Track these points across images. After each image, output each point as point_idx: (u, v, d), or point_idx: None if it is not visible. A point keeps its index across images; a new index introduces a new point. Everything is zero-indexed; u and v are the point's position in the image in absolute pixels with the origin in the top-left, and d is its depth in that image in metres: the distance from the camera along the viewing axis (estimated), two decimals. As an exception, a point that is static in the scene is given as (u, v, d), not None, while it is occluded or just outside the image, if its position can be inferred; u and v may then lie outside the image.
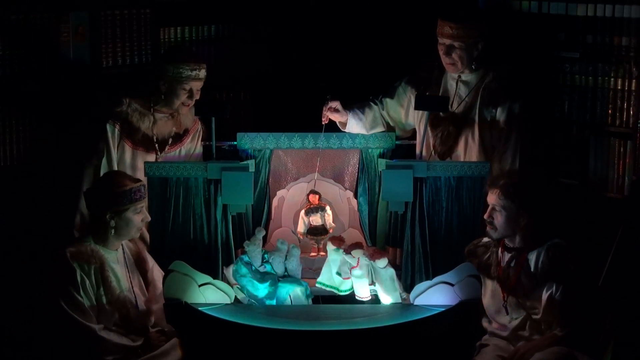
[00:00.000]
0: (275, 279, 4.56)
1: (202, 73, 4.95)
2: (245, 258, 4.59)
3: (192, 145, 5.13)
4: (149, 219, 4.55)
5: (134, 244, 4.58)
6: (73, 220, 4.89)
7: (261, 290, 4.55)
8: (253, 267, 4.58)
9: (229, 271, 4.64)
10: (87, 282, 4.33)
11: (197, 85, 4.96)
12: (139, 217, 4.46)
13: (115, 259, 4.46)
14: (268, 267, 4.59)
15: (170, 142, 5.04)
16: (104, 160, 4.90)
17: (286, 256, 4.65)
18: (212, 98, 5.44)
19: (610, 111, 5.09)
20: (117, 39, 5.31)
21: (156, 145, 5.00)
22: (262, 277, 4.56)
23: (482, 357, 4.42)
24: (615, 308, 4.49)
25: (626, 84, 5.03)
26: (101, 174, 4.83)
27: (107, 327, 4.33)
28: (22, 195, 5.09)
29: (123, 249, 4.51)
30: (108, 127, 4.92)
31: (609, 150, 5.09)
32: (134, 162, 4.98)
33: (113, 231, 4.41)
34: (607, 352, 4.37)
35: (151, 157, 4.99)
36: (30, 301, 4.56)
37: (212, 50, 5.56)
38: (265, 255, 4.61)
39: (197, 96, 4.97)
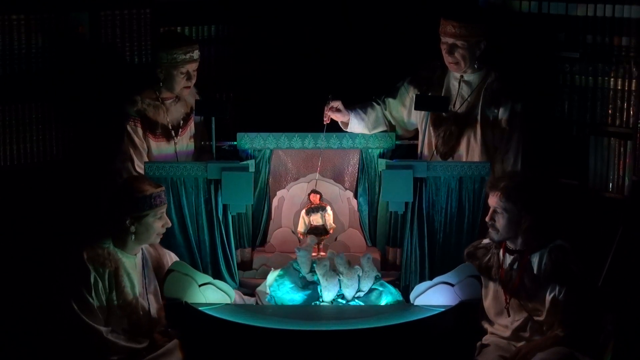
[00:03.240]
0: (316, 291, 4.54)
1: (196, 54, 4.99)
2: (295, 264, 4.58)
3: (196, 125, 5.16)
4: (170, 224, 4.52)
5: (155, 250, 4.57)
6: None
7: (297, 298, 4.55)
8: (300, 274, 4.57)
9: (271, 276, 4.61)
10: (100, 284, 4.32)
11: (192, 67, 5.00)
12: (160, 222, 4.44)
13: (134, 264, 4.45)
14: (315, 277, 4.57)
15: (181, 124, 5.08)
16: (133, 161, 4.93)
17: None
18: (212, 98, 5.44)
19: (610, 111, 5.09)
20: (117, 39, 5.31)
21: (172, 131, 5.04)
22: (306, 284, 4.55)
23: (484, 357, 4.42)
24: (615, 308, 4.49)
25: (626, 84, 5.03)
26: (126, 174, 4.88)
27: (115, 330, 4.33)
28: (30, 194, 5.11)
29: (143, 254, 4.51)
30: (129, 128, 4.95)
31: (609, 150, 5.09)
32: (159, 154, 5.02)
33: (133, 236, 4.39)
34: (607, 352, 4.37)
35: (171, 145, 5.04)
36: (42, 297, 4.58)
37: (212, 50, 5.56)
38: (314, 264, 4.58)
39: (194, 77, 5.01)
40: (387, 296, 4.55)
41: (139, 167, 4.92)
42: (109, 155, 4.99)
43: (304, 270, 4.57)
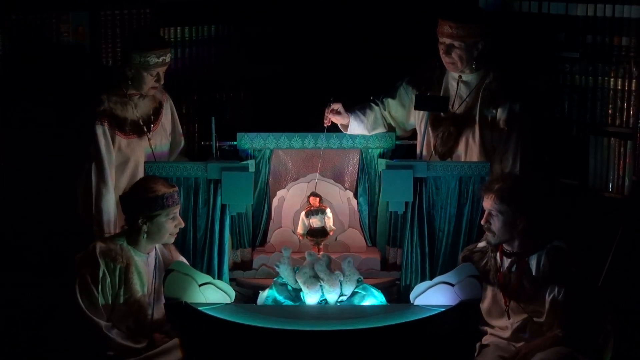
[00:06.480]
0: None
1: (168, 57, 4.97)
2: (280, 279, 4.57)
3: (167, 121, 5.12)
4: (183, 225, 4.54)
5: (170, 254, 4.58)
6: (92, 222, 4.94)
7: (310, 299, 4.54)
8: (289, 287, 4.57)
9: (260, 299, 4.59)
10: (109, 280, 4.36)
11: (163, 69, 4.97)
12: (172, 223, 4.47)
13: (146, 262, 4.49)
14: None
15: (152, 119, 5.05)
16: (98, 162, 4.91)
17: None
18: (212, 98, 5.44)
19: (610, 111, 5.09)
20: (117, 39, 5.31)
21: (144, 127, 5.02)
22: (297, 294, 4.54)
23: (483, 357, 4.43)
24: (615, 308, 4.49)
25: (626, 84, 5.03)
26: (94, 175, 4.88)
27: (116, 327, 4.35)
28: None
29: (157, 255, 4.53)
30: (97, 128, 4.92)
31: (609, 150, 5.10)
32: (132, 152, 4.99)
33: (145, 235, 4.44)
34: (607, 352, 4.38)
35: (144, 141, 5.01)
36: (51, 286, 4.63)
37: (212, 50, 5.56)
38: (296, 271, 4.57)
39: (163, 79, 4.97)
40: (370, 299, 4.53)
41: (108, 167, 4.91)
42: (80, 155, 4.98)
43: (291, 282, 4.55)
